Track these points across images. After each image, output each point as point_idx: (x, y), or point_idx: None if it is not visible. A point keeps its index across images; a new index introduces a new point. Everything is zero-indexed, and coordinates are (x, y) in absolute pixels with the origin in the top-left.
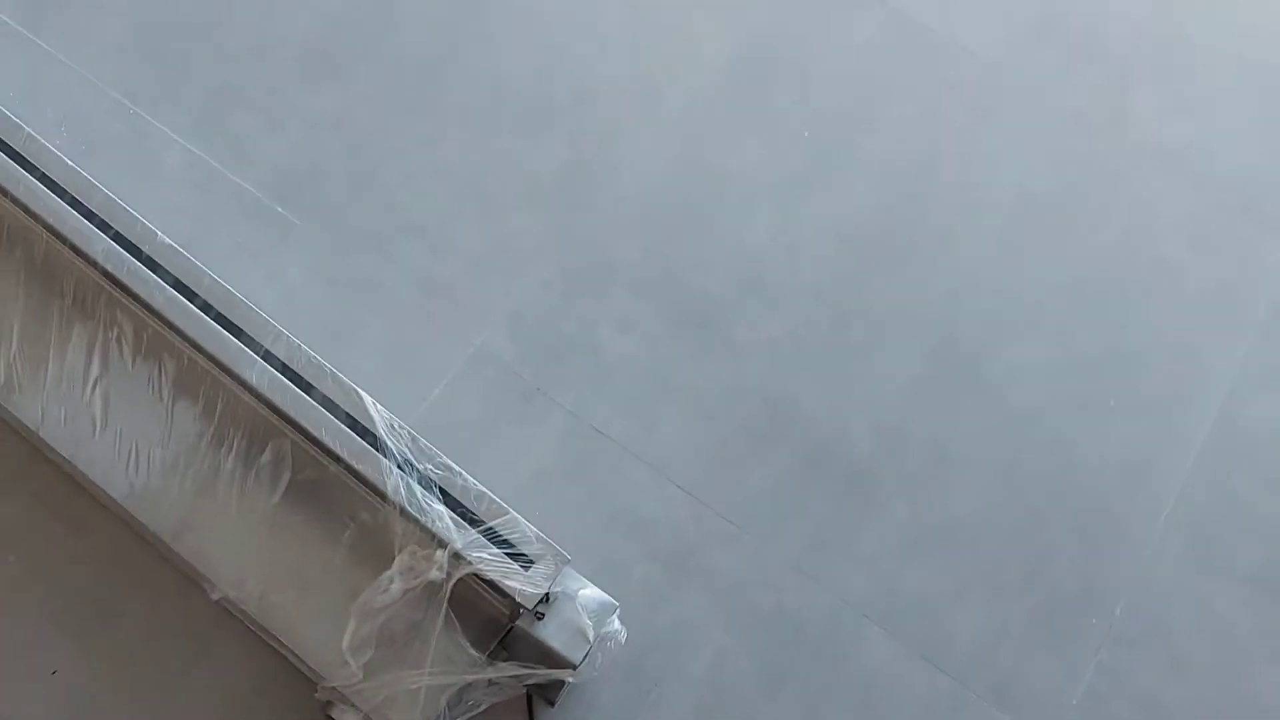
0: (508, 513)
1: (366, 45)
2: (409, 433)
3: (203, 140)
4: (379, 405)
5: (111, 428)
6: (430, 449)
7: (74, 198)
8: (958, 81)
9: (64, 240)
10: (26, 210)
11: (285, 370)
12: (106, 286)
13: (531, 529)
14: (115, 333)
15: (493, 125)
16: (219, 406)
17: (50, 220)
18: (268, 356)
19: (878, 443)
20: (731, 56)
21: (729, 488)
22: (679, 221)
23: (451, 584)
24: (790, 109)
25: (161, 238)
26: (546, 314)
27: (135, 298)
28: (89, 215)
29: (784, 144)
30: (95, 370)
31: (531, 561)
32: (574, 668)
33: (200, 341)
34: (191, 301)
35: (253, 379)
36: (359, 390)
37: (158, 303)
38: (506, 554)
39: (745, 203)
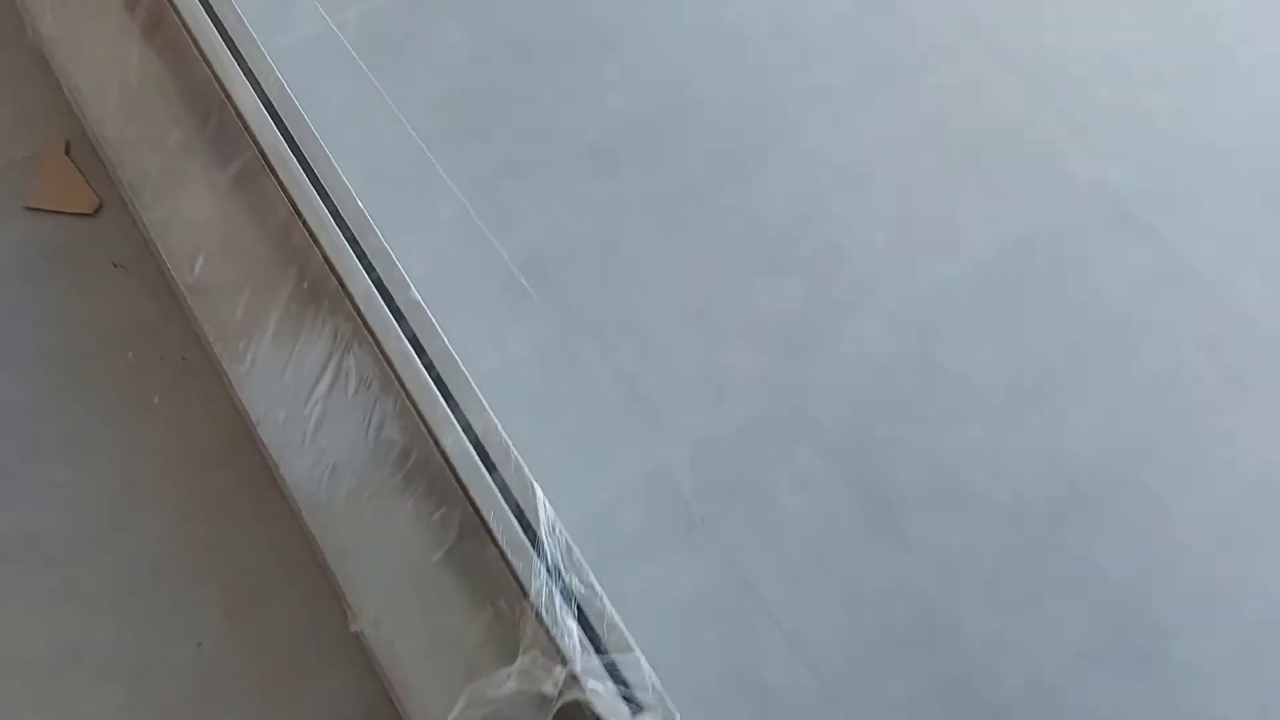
0: (633, 651)
1: (648, 152)
2: (567, 541)
3: (477, 200)
4: (549, 505)
5: (318, 443)
6: (580, 563)
7: (353, 234)
8: (1219, 341)
9: (334, 270)
10: (312, 235)
11: (477, 445)
12: (356, 319)
13: (651, 675)
14: (350, 362)
15: (739, 258)
16: (413, 456)
17: (328, 250)
18: (466, 428)
19: (1028, 692)
20: (990, 255)
21: (861, 686)
22: (890, 400)
23: (561, 702)
24: (1035, 323)
25: (413, 293)
26: (733, 451)
27: (375, 338)
28: (360, 255)
29: (1018, 357)
30: (322, 388)
31: (642, 708)
32: None
33: (415, 395)
34: (419, 357)
35: (447, 444)
36: (535, 485)
37: (391, 350)
38: (621, 693)
39: (962, 402)
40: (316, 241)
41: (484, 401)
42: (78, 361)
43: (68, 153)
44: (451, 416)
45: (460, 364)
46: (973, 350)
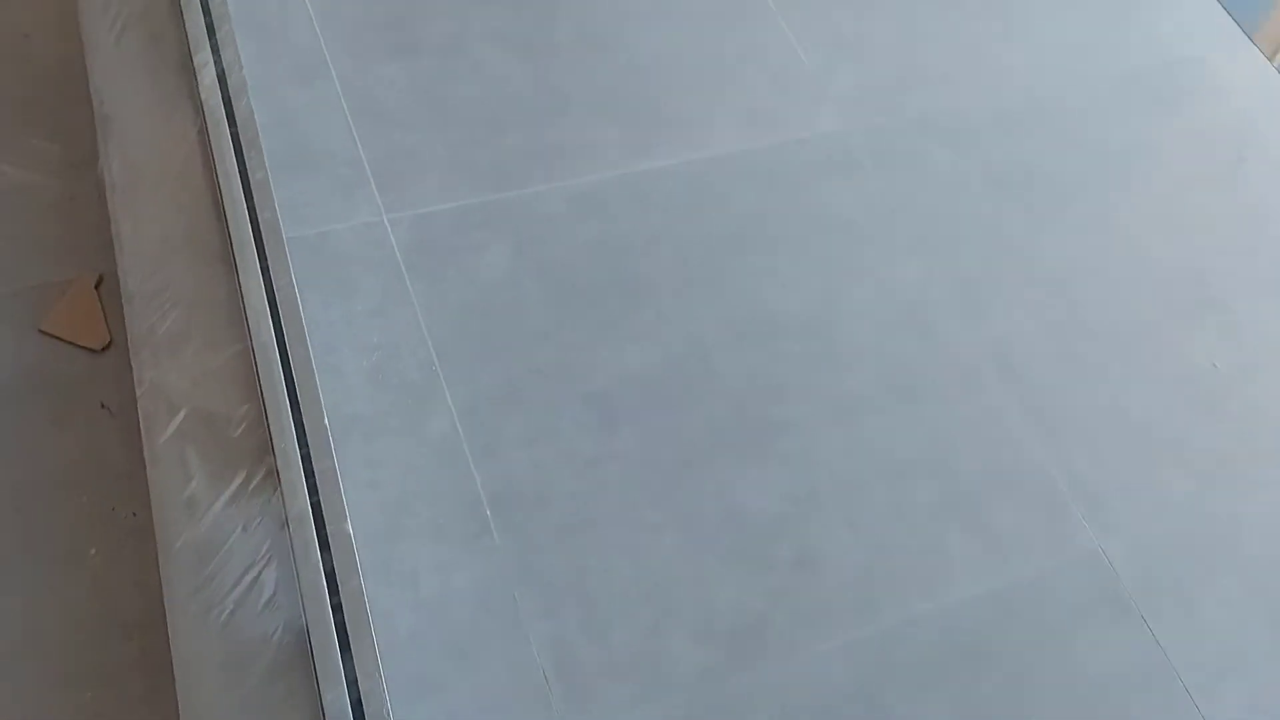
0: None
1: (650, 414)
2: None
3: (468, 422)
4: None
5: (218, 645)
6: None
7: (308, 451)
8: None
9: (279, 481)
10: (271, 442)
11: (356, 706)
12: (285, 535)
13: None
14: (269, 575)
15: (711, 546)
16: (299, 694)
17: (279, 460)
18: (351, 684)
19: None
20: (967, 604)
21: None
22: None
23: None
24: (998, 690)
25: (346, 525)
26: None
27: (294, 561)
28: (308, 474)
29: (971, 705)
30: (237, 593)
31: None
32: None
33: (314, 633)
34: (331, 596)
35: (327, 698)
36: None
37: (305, 580)
38: None
39: None
40: (273, 449)
41: (379, 662)
42: (33, 494)
43: (97, 287)
44: (341, 669)
45: (369, 613)
46: (926, 705)
